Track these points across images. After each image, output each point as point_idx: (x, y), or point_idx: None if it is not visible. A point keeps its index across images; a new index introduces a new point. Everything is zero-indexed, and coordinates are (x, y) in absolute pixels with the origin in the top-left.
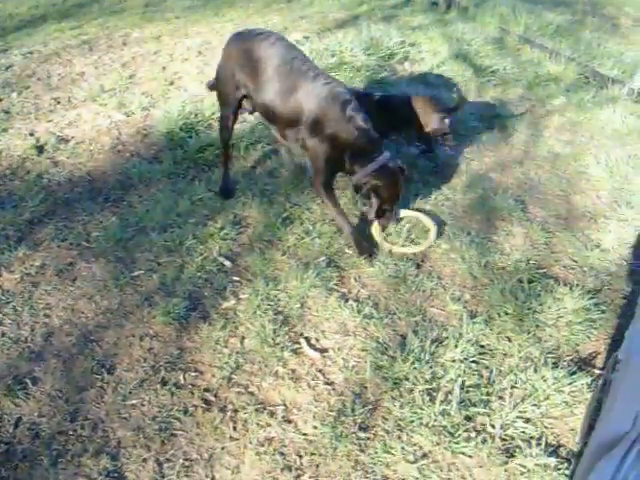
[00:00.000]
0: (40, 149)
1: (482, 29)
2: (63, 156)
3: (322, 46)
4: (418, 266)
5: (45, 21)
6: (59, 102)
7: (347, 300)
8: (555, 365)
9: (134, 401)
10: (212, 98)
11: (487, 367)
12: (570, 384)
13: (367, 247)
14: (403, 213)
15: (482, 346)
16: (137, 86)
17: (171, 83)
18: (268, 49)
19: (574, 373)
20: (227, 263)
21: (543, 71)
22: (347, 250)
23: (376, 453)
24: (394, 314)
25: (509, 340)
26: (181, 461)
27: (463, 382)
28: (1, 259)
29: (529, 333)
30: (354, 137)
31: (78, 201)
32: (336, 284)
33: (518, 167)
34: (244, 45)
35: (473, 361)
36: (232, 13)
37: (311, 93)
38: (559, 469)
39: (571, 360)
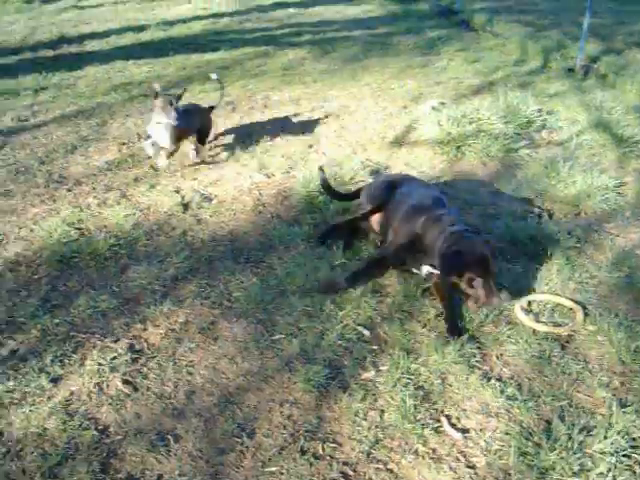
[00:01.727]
0: (185, 206)
1: (622, 97)
2: (206, 214)
3: (459, 113)
4: (563, 347)
5: (190, 82)
6: (203, 161)
7: (489, 379)
8: None
9: (273, 468)
10: (351, 162)
11: None
12: None
13: (458, 329)
14: (542, 297)
15: (634, 439)
16: (277, 148)
17: (310, 146)
18: None
19: None
20: (366, 332)
21: None
22: (488, 326)
23: None
24: (538, 397)
25: None
26: None
27: (614, 477)
28: (147, 313)
29: None
30: None
31: (220, 260)
32: (478, 361)
33: None
34: None
35: (624, 455)
36: (368, 77)
37: None
38: None
39: None
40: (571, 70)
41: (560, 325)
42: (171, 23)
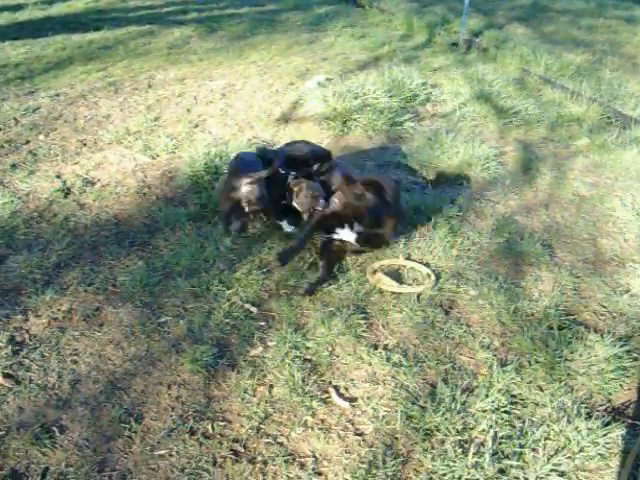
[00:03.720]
0: (67, 192)
1: (503, 70)
2: (89, 199)
3: (345, 88)
4: (446, 312)
5: (72, 63)
6: (85, 144)
7: (376, 348)
8: (588, 415)
9: (162, 451)
10: (236, 141)
11: (519, 418)
12: (604, 435)
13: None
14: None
15: (513, 396)
16: (162, 128)
17: (195, 125)
18: None
19: (608, 424)
20: (254, 309)
21: (565, 112)
22: (374, 296)
23: None
24: (423, 362)
25: (541, 389)
26: None
27: (495, 433)
28: (29, 303)
29: (561, 382)
30: None
31: (104, 244)
32: (364, 331)
33: (544, 210)
34: None
35: (505, 411)
36: (255, 55)
37: None
38: None
39: (604, 410)
40: (455, 44)
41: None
42: (50, 2)
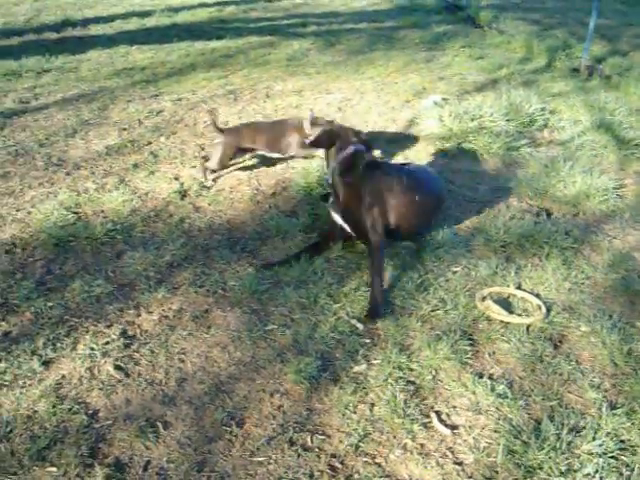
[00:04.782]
0: (183, 194)
1: (626, 99)
2: (204, 202)
3: (461, 109)
4: (556, 347)
5: (194, 70)
6: (203, 149)
7: (481, 376)
8: None
9: (261, 458)
10: None
11: (628, 465)
12: None
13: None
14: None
15: (622, 441)
16: None
17: None
18: None
19: None
20: (360, 326)
21: None
22: (481, 323)
23: None
24: (529, 396)
25: None
26: None
27: (601, 478)
28: (142, 299)
29: None
30: None
31: (216, 248)
32: (469, 358)
33: None
34: None
35: (612, 457)
36: (372, 71)
37: None
38: None
39: None
40: (576, 70)
41: (528, 317)
42: (176, 10)
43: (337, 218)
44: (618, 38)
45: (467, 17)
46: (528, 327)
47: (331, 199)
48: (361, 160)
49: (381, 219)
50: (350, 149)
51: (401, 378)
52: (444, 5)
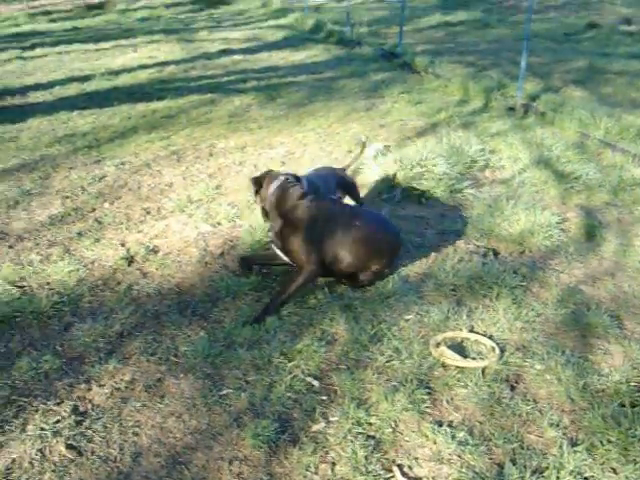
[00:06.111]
0: (130, 260)
1: (561, 134)
2: (152, 267)
3: (404, 155)
4: (512, 388)
5: (136, 132)
6: (149, 212)
7: (441, 425)
8: None
9: None
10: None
11: None
12: None
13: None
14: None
15: (586, 478)
16: (223, 197)
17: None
18: None
19: None
20: (315, 383)
21: (627, 176)
22: (437, 370)
23: None
24: (490, 440)
25: (614, 472)
26: None
27: None
28: (92, 372)
29: (636, 464)
30: None
31: (166, 314)
32: (428, 407)
33: (610, 279)
34: None
35: None
36: (313, 123)
37: None
38: None
39: None
40: (512, 109)
41: (483, 360)
42: (116, 72)
43: (277, 250)
44: (550, 75)
45: (403, 64)
46: (484, 370)
47: (270, 233)
48: (294, 189)
49: (317, 251)
50: (280, 178)
51: (361, 434)
52: (380, 53)
